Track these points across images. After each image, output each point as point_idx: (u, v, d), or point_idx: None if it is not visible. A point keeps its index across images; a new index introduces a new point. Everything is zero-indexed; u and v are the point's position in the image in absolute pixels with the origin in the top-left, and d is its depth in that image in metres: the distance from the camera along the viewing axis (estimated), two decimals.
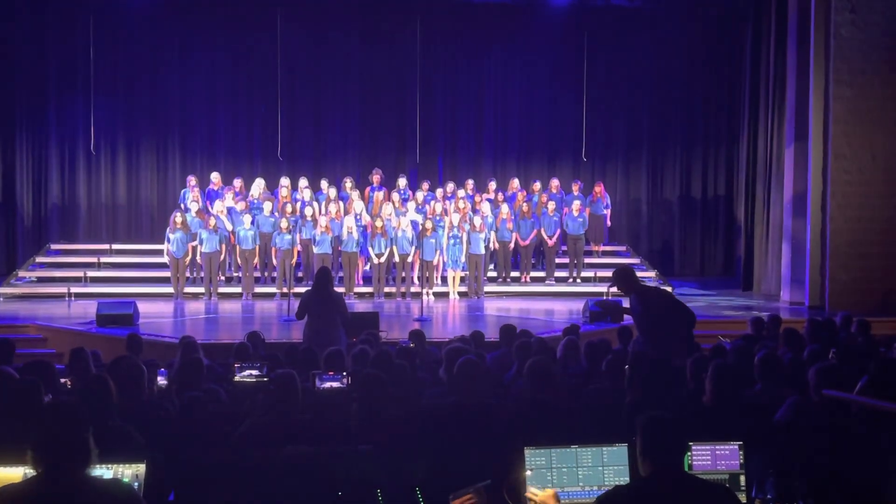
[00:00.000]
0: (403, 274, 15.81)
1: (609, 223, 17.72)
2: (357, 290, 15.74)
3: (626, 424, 4.75)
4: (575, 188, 17.35)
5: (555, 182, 17.53)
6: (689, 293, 16.58)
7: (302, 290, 15.72)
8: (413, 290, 15.73)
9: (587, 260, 17.30)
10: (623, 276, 7.89)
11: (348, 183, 16.85)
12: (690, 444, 4.23)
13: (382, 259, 15.57)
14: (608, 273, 17.05)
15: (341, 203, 16.33)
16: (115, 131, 18.46)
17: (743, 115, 17.95)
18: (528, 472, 4.03)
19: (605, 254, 18.06)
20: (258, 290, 15.81)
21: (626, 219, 19.41)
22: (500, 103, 19.33)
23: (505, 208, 16.37)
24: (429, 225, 15.49)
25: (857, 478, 4.49)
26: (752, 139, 17.30)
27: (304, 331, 9.41)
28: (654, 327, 7.57)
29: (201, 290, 15.60)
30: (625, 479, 4.04)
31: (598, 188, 17.53)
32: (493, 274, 16.71)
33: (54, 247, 17.67)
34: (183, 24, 18.37)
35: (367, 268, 16.18)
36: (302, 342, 9.11)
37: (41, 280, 16.38)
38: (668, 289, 16.13)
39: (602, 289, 15.82)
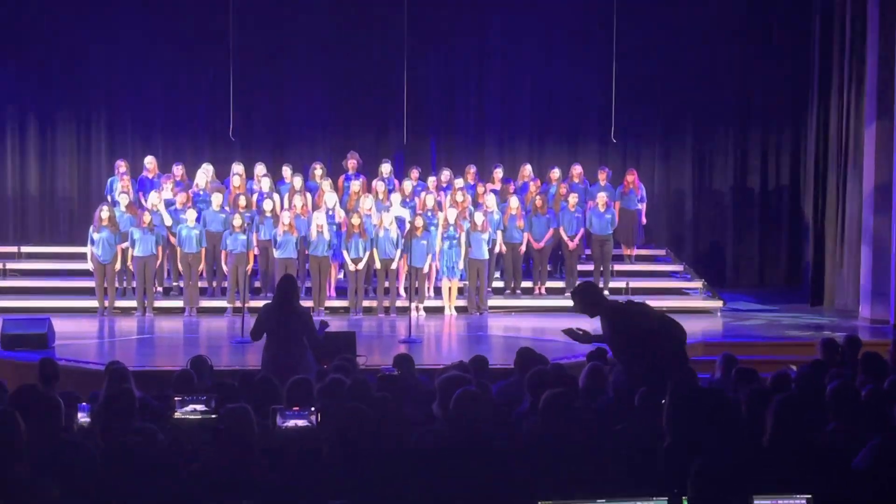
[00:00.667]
0: (387, 284, 15.80)
1: (644, 220, 17.73)
2: (329, 304, 15.71)
3: (664, 473, 4.73)
4: (602, 177, 17.35)
5: (577, 169, 17.53)
6: (745, 308, 16.60)
7: (260, 303, 15.68)
8: (399, 304, 15.71)
9: (617, 266, 17.30)
10: (584, 295, 7.98)
11: (318, 170, 16.84)
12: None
13: (360, 265, 15.56)
14: (645, 283, 17.19)
15: (309, 195, 16.31)
16: (24, 105, 18.44)
17: (812, 88, 17.95)
18: None
19: (639, 259, 18.07)
20: (204, 303, 15.81)
21: (665, 215, 19.42)
22: (508, 71, 19.33)
23: (514, 202, 16.37)
24: (419, 223, 15.48)
25: None
26: (822, 117, 17.32)
27: (263, 355, 9.42)
28: (633, 351, 7.65)
29: (133, 303, 15.59)
30: None
31: (631, 177, 17.54)
32: (500, 284, 16.70)
33: None
34: None
35: (342, 276, 16.13)
36: (259, 369, 9.07)
37: None
38: (719, 303, 16.14)
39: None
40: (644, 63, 18.99)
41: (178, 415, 6.99)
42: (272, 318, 9.43)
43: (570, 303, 16.28)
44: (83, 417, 7.00)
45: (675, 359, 7.72)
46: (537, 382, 7.10)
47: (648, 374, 7.31)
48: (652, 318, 7.99)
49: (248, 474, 5.04)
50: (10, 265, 17.16)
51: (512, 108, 19.44)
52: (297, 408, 6.52)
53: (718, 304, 16.32)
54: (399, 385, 7.55)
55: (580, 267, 16.93)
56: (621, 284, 16.78)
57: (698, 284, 17.22)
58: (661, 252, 18.72)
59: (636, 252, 17.96)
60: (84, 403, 7.18)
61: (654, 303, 15.63)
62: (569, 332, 8.07)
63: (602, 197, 16.77)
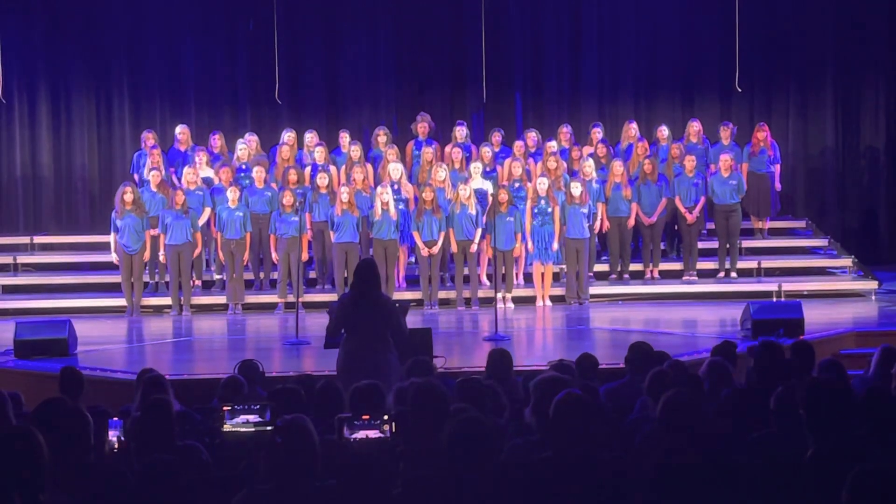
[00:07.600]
0: (466, 271, 15.83)
1: (779, 186, 17.57)
2: (397, 295, 15.76)
3: (808, 487, 4.71)
4: (725, 134, 17.21)
5: (694, 126, 17.40)
6: None
7: (315, 298, 15.76)
8: (482, 294, 15.76)
9: (746, 243, 17.19)
10: None
11: (381, 136, 16.90)
12: None
13: (435, 249, 15.62)
14: (781, 261, 17.05)
15: (370, 167, 16.39)
16: (32, 67, 18.67)
17: None
18: None
19: (774, 233, 17.92)
20: (251, 299, 15.98)
21: (804, 179, 19.23)
22: (607, 10, 19.23)
23: (618, 168, 16.30)
24: (503, 196, 15.47)
25: None
26: None
27: (339, 355, 9.49)
28: None
29: (167, 300, 15.80)
30: None
31: (762, 134, 17.37)
32: (603, 267, 16.68)
33: None
34: None
35: (412, 262, 16.21)
36: (322, 375, 9.15)
37: None
38: (873, 284, 15.98)
39: (772, 287, 15.70)
40: None
41: (227, 427, 7.06)
42: (350, 312, 9.50)
43: (689, 288, 16.30)
44: (114, 435, 7.11)
45: None
46: (655, 384, 7.10)
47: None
48: None
49: (310, 496, 5.10)
50: (22, 259, 17.43)
51: (613, 55, 19.33)
52: (366, 417, 6.57)
53: (873, 285, 16.12)
54: (487, 390, 7.56)
55: (701, 244, 16.82)
56: (752, 264, 16.67)
57: (847, 262, 17.02)
58: (801, 224, 18.54)
59: (769, 225, 17.80)
60: (115, 419, 7.28)
61: (794, 286, 15.76)
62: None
63: (726, 159, 16.59)
